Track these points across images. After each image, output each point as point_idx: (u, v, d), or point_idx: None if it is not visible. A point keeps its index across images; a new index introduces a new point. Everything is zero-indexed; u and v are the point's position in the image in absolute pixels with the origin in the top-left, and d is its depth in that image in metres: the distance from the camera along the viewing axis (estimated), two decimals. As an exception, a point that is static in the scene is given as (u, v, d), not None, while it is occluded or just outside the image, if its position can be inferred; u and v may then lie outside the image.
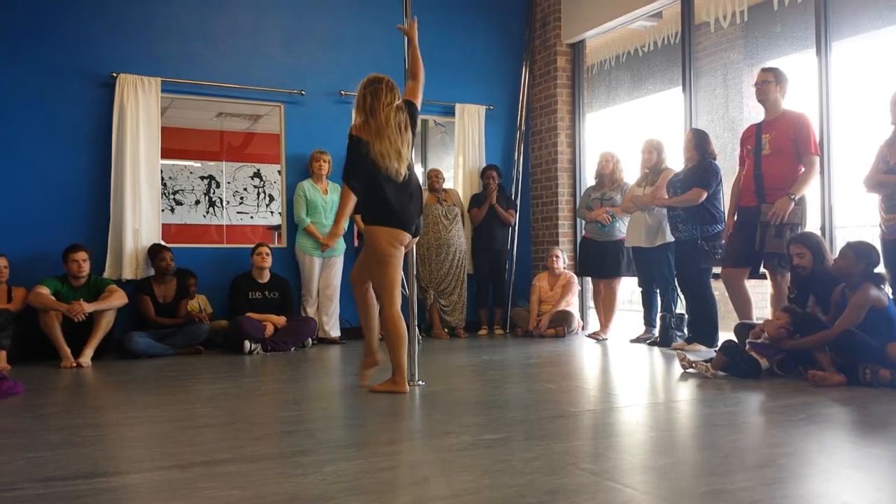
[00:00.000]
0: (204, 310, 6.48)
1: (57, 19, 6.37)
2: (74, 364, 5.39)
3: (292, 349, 6.28)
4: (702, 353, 5.43)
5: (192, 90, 6.82)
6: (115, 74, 6.45)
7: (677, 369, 4.72)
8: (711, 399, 3.84)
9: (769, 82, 5.14)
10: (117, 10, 6.58)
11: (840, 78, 5.42)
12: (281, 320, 6.34)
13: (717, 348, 4.72)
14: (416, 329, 4.44)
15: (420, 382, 4.27)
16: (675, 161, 6.23)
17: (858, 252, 4.30)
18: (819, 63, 5.43)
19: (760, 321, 4.96)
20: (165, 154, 6.78)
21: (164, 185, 6.85)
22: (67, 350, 5.46)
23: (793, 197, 4.92)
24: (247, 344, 6.02)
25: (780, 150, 5.05)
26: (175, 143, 7.21)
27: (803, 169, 5.00)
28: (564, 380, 4.70)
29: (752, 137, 5.24)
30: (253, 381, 4.91)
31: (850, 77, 5.48)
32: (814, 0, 5.50)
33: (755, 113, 5.85)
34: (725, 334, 5.60)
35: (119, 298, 5.78)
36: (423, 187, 5.15)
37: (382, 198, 4.00)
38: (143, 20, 6.67)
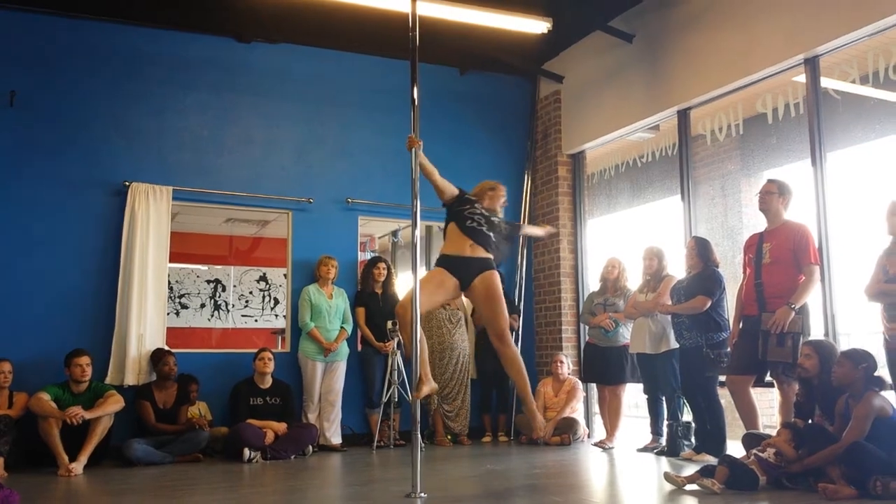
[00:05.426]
0: (204, 416, 6.42)
1: (75, 134, 6.60)
2: (72, 472, 5.31)
3: (292, 457, 6.17)
4: (708, 462, 5.32)
5: (203, 198, 6.96)
6: (127, 183, 6.61)
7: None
8: (721, 514, 3.74)
9: (772, 193, 5.26)
10: (133, 123, 6.82)
11: (836, 187, 5.52)
12: (281, 427, 6.26)
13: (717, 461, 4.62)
14: (419, 436, 4.38)
15: (422, 494, 4.16)
16: (676, 268, 6.30)
17: (854, 358, 4.33)
18: (815, 173, 5.54)
19: (768, 430, 4.88)
20: (173, 258, 6.86)
21: (171, 288, 6.90)
22: (65, 457, 5.40)
23: (793, 306, 4.94)
24: (246, 452, 5.94)
25: (780, 260, 5.11)
26: (183, 247, 7.32)
27: (803, 278, 5.05)
28: (572, 492, 4.59)
29: (754, 246, 5.31)
30: (251, 491, 4.81)
31: (846, 186, 5.59)
32: (807, 113, 5.67)
33: (754, 221, 5.95)
34: (733, 443, 5.51)
35: (115, 403, 5.75)
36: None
37: None
38: (157, 132, 6.90)
